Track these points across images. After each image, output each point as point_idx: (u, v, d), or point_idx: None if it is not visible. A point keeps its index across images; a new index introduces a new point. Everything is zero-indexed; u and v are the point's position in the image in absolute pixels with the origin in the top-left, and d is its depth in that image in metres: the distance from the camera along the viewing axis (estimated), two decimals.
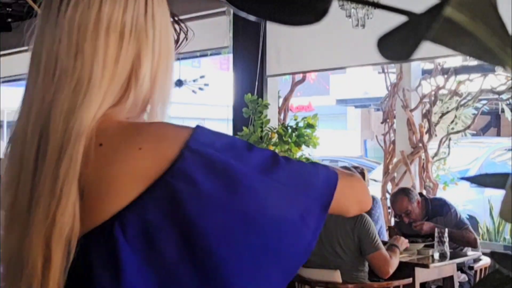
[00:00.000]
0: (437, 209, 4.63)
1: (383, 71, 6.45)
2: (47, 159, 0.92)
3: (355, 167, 5.14)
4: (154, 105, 1.02)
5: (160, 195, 0.90)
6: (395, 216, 4.84)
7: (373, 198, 5.00)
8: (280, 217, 0.94)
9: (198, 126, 0.94)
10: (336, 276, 3.90)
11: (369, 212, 4.57)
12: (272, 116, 6.02)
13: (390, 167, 6.33)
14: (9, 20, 7.93)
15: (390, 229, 5.02)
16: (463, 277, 4.58)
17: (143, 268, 0.90)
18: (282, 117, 6.51)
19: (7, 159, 0.99)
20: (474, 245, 4.51)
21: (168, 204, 0.90)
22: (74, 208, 0.91)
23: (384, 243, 4.11)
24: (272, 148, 5.77)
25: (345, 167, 3.92)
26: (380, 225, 4.91)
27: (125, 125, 0.98)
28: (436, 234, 4.25)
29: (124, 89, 0.98)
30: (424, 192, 5.76)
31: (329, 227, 3.91)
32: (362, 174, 4.95)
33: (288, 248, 0.95)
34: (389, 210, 6.35)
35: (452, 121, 6.43)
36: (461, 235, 4.47)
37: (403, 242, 4.14)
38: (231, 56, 6.39)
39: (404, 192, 4.71)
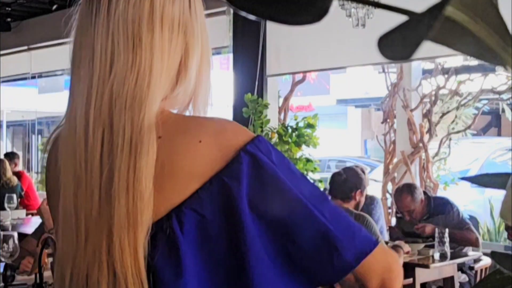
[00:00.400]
0: (439, 208, 4.63)
1: (384, 71, 6.44)
2: (119, 154, 0.91)
3: (356, 166, 5.15)
4: (197, 102, 1.02)
5: (215, 191, 0.91)
6: (397, 212, 4.84)
7: (373, 198, 5.00)
8: (308, 242, 0.94)
9: (259, 135, 0.96)
10: None
11: (370, 213, 4.57)
12: (272, 116, 6.02)
13: (391, 167, 6.33)
14: (9, 19, 7.93)
15: (390, 229, 5.02)
16: (464, 277, 4.58)
17: (198, 262, 0.91)
18: (282, 117, 6.51)
19: (61, 157, 0.97)
20: (475, 245, 4.51)
21: (223, 201, 0.91)
22: (153, 200, 0.91)
23: (385, 242, 4.11)
24: None
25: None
26: (381, 225, 4.91)
27: (183, 117, 0.99)
28: (436, 235, 4.25)
29: (174, 82, 0.98)
30: None
31: None
32: (363, 173, 4.95)
33: (309, 268, 0.96)
34: (389, 210, 6.35)
35: (453, 121, 6.43)
36: (463, 235, 4.47)
37: (405, 246, 4.13)
38: (231, 55, 6.39)
39: (409, 190, 4.66)
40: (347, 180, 4.03)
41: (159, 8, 0.95)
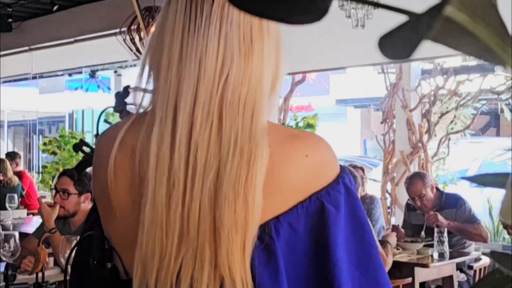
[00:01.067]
0: (451, 201, 4.69)
1: (383, 71, 6.45)
2: (230, 158, 0.91)
3: (353, 166, 5.18)
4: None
5: (313, 211, 0.94)
6: (408, 200, 4.90)
7: (373, 198, 5.01)
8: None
9: (345, 166, 1.01)
10: None
11: (369, 212, 4.58)
12: (272, 116, 6.02)
13: (390, 167, 6.33)
14: (10, 20, 7.93)
15: (394, 228, 5.03)
16: (462, 277, 4.59)
17: (286, 274, 0.93)
18: (282, 117, 6.51)
19: (152, 157, 0.94)
20: (485, 240, 4.55)
21: (318, 223, 0.93)
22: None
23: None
24: None
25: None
26: (380, 225, 4.93)
27: (281, 127, 1.03)
28: (435, 234, 4.26)
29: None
30: None
31: None
32: (362, 171, 4.99)
33: None
34: (389, 210, 6.35)
35: (452, 121, 6.43)
36: (474, 229, 4.51)
37: (393, 236, 4.14)
38: None
39: (420, 176, 4.81)
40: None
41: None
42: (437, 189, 4.87)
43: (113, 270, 1.02)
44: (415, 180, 4.75)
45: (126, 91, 2.32)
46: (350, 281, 0.94)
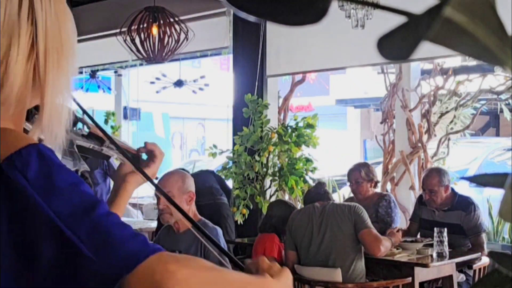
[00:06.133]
0: (462, 203, 4.71)
1: (383, 72, 6.44)
2: None
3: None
4: (46, 99, 0.98)
5: None
6: (422, 193, 4.94)
7: (390, 196, 5.05)
8: (52, 262, 0.91)
9: (33, 146, 0.92)
10: (336, 275, 3.91)
11: (389, 215, 4.69)
12: (272, 116, 6.02)
13: (390, 167, 6.33)
14: None
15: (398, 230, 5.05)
16: (461, 277, 4.59)
17: None
18: (282, 117, 6.51)
19: None
20: (482, 250, 4.57)
21: None
22: None
23: None
24: (272, 148, 5.78)
25: None
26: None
27: None
28: (435, 234, 4.26)
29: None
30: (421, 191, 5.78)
31: (327, 214, 4.02)
32: (359, 173, 5.04)
33: None
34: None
35: (451, 121, 6.43)
36: (478, 245, 4.54)
37: (396, 236, 4.26)
38: (231, 56, 6.40)
39: (439, 172, 4.82)
40: (322, 187, 4.35)
41: None
42: (452, 189, 4.87)
43: None
44: (433, 174, 4.78)
45: None
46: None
